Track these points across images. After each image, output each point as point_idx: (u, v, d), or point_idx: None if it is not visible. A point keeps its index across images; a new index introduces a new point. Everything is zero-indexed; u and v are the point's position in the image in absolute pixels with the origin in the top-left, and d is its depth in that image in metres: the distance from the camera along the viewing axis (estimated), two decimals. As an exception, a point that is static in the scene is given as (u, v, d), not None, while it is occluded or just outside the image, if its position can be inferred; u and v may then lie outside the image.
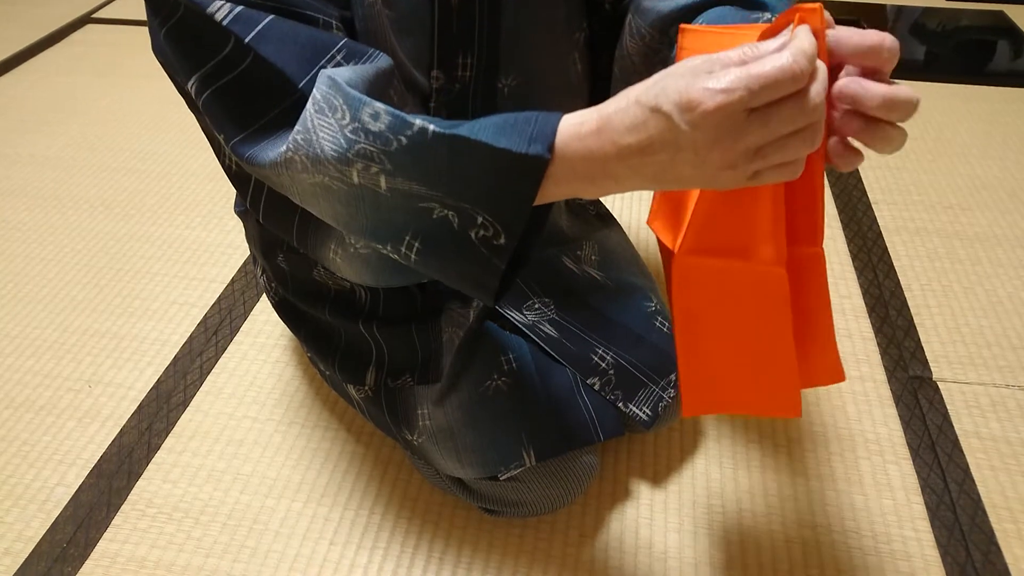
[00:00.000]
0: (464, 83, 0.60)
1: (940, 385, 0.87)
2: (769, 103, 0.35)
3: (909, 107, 0.38)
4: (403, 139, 0.43)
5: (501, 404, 0.65)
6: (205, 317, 0.97)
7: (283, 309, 0.75)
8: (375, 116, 0.43)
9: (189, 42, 0.49)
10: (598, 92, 0.69)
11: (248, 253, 1.08)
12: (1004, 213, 1.14)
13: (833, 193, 1.19)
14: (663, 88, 0.37)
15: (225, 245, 1.10)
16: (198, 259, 1.07)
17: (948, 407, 0.85)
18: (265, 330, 0.95)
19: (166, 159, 1.30)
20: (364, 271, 0.63)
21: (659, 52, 0.60)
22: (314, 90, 0.46)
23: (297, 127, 0.46)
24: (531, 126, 0.41)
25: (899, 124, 0.39)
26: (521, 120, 0.42)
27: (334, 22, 0.49)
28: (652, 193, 1.14)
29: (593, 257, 0.78)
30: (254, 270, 1.03)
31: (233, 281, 1.03)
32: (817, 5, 0.38)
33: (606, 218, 0.85)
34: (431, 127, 0.42)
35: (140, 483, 0.78)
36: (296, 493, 0.76)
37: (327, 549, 0.71)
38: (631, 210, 1.17)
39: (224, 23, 0.46)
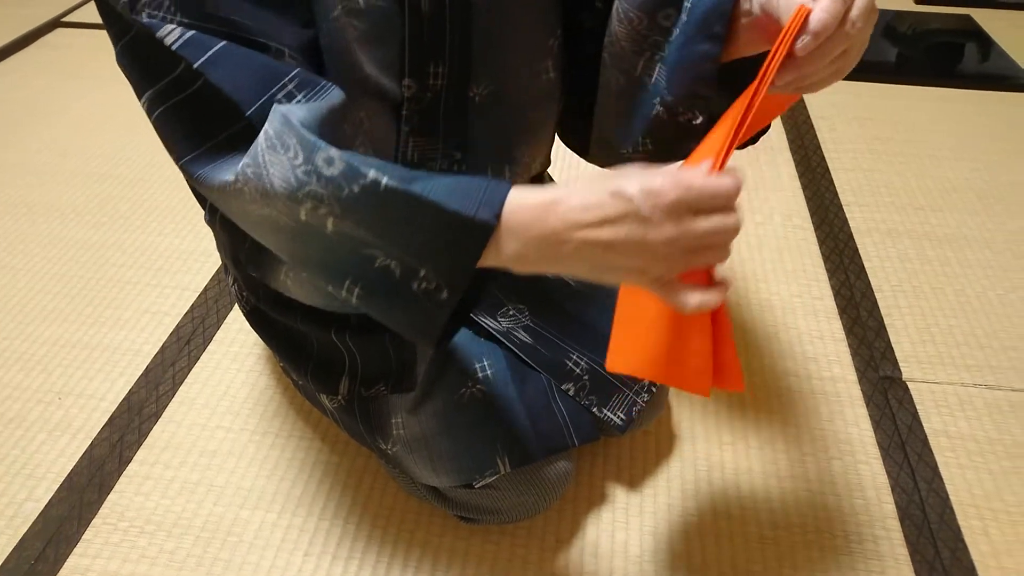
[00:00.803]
0: (436, 92, 0.60)
1: (910, 385, 0.89)
2: (709, 209, 0.41)
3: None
4: (355, 188, 0.44)
5: (475, 412, 0.65)
6: (178, 326, 0.96)
7: (255, 318, 0.74)
8: (329, 161, 0.44)
9: (141, 60, 0.49)
10: (586, 83, 0.69)
11: (221, 261, 1.07)
12: (972, 214, 1.17)
13: (806, 196, 1.21)
14: (628, 176, 0.42)
15: (198, 252, 1.09)
16: (171, 267, 1.06)
17: (918, 407, 0.86)
18: (239, 339, 0.94)
19: (139, 164, 1.28)
20: (314, 295, 0.63)
21: (647, 37, 0.60)
22: (267, 125, 0.46)
23: (246, 159, 0.47)
24: (482, 192, 0.43)
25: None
26: (473, 184, 0.44)
27: (286, 50, 0.49)
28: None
29: (567, 263, 0.78)
30: (226, 279, 1.02)
31: (206, 289, 1.02)
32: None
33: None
34: (384, 180, 0.43)
35: (112, 496, 0.77)
36: (271, 504, 0.76)
37: (302, 560, 0.71)
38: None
39: (173, 47, 0.47)
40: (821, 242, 1.11)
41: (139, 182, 1.24)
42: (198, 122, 0.49)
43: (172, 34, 0.46)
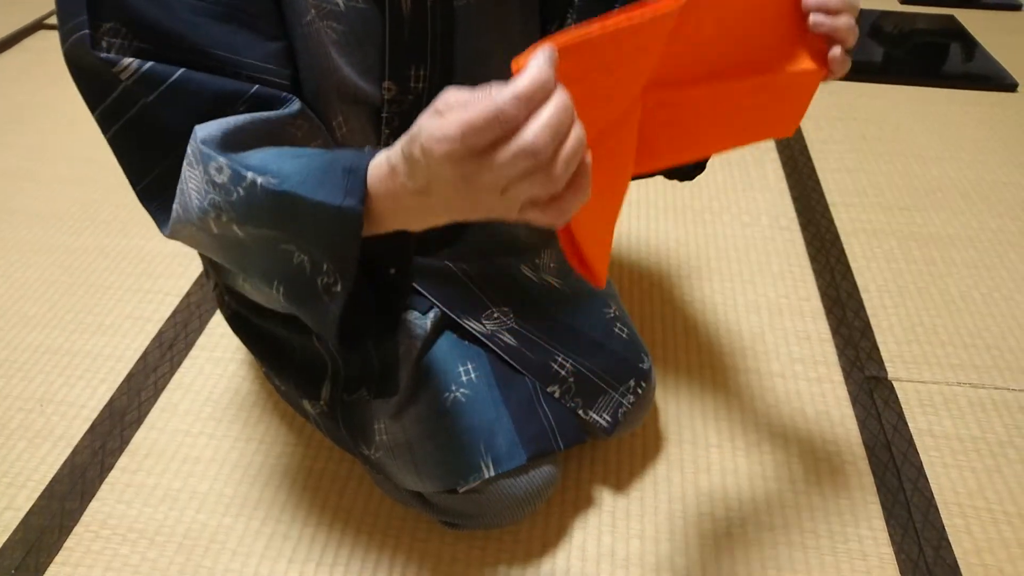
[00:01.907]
0: (417, 94, 0.60)
1: (895, 384, 0.89)
2: (489, 145, 0.34)
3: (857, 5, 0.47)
4: (240, 191, 0.45)
5: (459, 416, 0.65)
6: (160, 331, 0.95)
7: (236, 323, 0.74)
8: (219, 169, 0.45)
9: (86, 76, 0.49)
10: None
11: (206, 264, 1.07)
12: (957, 214, 1.17)
13: (792, 196, 1.21)
14: (413, 136, 0.36)
15: (181, 256, 1.08)
16: (153, 271, 1.05)
17: (903, 406, 0.86)
18: (222, 344, 0.93)
19: (121, 169, 1.27)
20: (272, 299, 0.63)
21: None
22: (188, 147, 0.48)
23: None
24: (346, 179, 0.42)
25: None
26: (338, 169, 0.42)
27: (243, 73, 0.49)
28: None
29: (551, 264, 0.78)
30: (207, 283, 1.02)
31: (189, 294, 1.01)
32: None
33: (565, 225, 0.85)
34: (259, 180, 0.44)
35: (93, 504, 0.76)
36: (254, 511, 0.75)
37: (286, 567, 0.70)
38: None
39: (128, 82, 0.47)
40: (808, 243, 1.11)
41: (122, 186, 1.23)
42: (143, 147, 0.50)
43: (127, 69, 0.47)
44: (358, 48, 0.56)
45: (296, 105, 0.51)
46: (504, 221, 0.39)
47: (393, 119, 0.60)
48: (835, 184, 1.24)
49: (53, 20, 1.81)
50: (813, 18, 0.51)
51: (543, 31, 0.67)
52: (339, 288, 0.46)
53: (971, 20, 1.79)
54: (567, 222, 0.39)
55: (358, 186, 0.42)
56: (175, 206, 0.49)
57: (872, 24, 1.81)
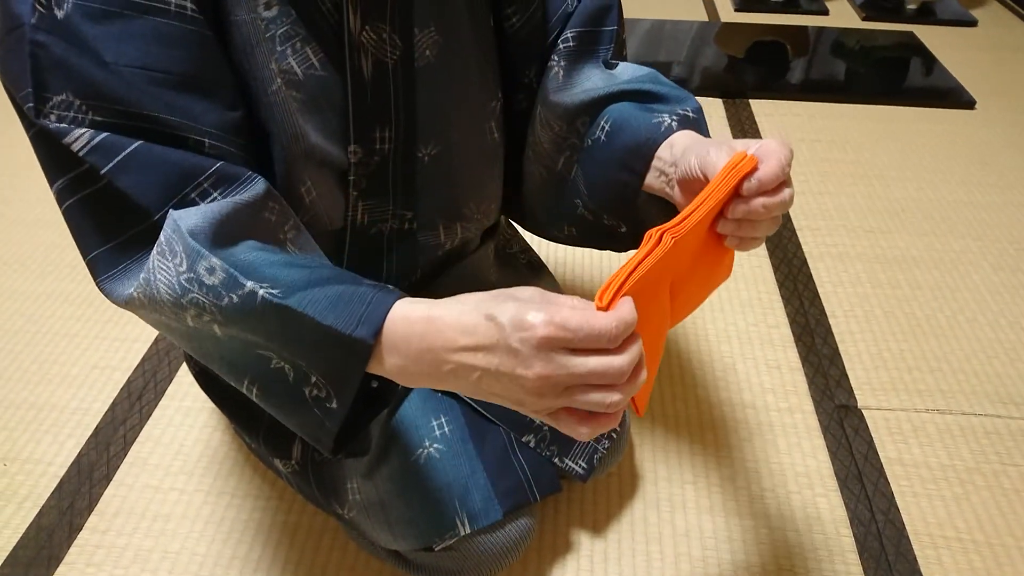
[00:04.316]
0: (384, 155, 0.60)
1: (864, 413, 0.90)
2: (588, 350, 0.38)
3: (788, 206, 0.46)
4: (234, 297, 0.44)
5: (433, 473, 0.65)
6: (128, 381, 0.94)
7: (204, 381, 0.73)
8: (210, 270, 0.44)
9: (47, 154, 0.48)
10: (514, 160, 0.71)
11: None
12: (920, 235, 1.20)
13: (760, 221, 1.23)
14: (503, 304, 0.39)
15: (149, 301, 1.06)
16: (119, 318, 1.03)
17: (873, 435, 0.88)
18: (192, 392, 0.92)
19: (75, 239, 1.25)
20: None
21: (567, 139, 0.64)
22: (161, 232, 0.46)
23: (143, 273, 0.47)
24: (363, 307, 0.42)
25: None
26: (356, 298, 0.43)
27: (207, 140, 0.48)
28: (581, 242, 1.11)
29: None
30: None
31: (157, 340, 0.99)
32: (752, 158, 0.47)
33: (536, 267, 0.86)
34: (260, 292, 0.43)
35: (61, 569, 0.74)
36: (227, 570, 0.74)
37: (261, 629, 0.69)
38: (564, 258, 1.17)
39: (81, 154, 0.46)
40: (775, 268, 1.13)
41: (86, 226, 1.21)
42: (104, 219, 0.48)
43: (80, 140, 0.45)
44: (320, 114, 0.55)
45: (262, 184, 0.50)
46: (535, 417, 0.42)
47: (360, 181, 0.60)
48: (801, 208, 1.26)
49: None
50: (758, 201, 0.47)
51: (508, 81, 0.67)
52: (335, 405, 0.45)
53: (930, 37, 1.83)
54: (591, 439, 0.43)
55: (376, 317, 0.42)
56: (134, 292, 0.48)
57: (834, 41, 1.84)
